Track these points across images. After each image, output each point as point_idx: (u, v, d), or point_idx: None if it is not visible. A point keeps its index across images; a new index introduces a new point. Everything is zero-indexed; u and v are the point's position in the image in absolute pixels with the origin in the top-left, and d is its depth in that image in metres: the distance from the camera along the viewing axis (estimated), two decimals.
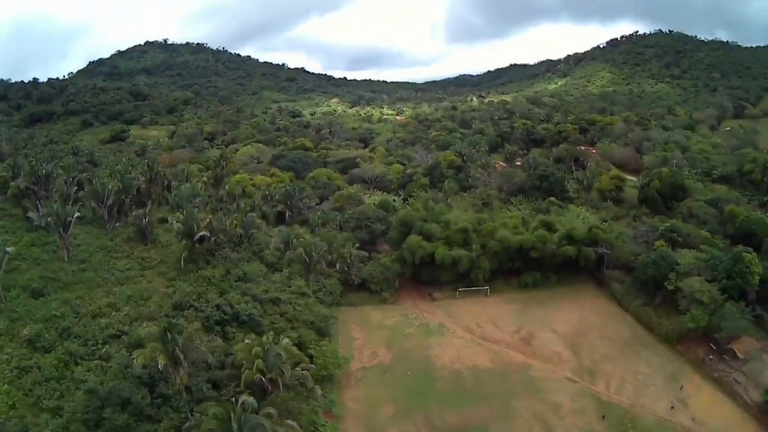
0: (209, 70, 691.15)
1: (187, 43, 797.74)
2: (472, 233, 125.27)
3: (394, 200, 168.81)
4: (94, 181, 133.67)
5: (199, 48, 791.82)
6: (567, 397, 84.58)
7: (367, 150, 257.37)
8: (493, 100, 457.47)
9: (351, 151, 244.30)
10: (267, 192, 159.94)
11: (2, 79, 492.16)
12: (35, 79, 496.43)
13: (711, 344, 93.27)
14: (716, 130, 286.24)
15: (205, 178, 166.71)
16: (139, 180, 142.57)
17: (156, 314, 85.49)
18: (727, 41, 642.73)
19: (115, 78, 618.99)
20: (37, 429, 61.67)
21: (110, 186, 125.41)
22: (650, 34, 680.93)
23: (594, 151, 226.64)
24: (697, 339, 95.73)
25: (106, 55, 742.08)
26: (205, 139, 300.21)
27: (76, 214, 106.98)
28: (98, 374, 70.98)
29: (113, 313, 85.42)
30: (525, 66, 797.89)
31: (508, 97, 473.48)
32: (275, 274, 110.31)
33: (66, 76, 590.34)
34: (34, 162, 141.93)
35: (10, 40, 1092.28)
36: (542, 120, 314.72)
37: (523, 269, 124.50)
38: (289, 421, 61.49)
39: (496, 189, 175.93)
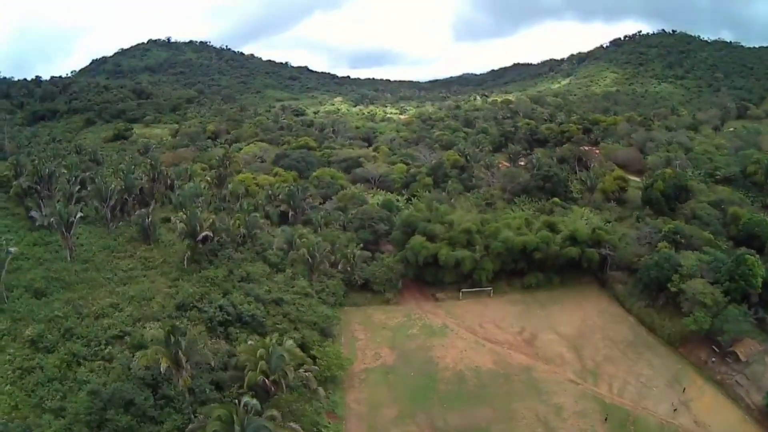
0: (212, 68, 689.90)
1: (191, 42, 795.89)
2: (476, 234, 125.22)
3: (398, 200, 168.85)
4: (97, 180, 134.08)
5: (203, 46, 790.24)
6: (569, 399, 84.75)
7: (370, 149, 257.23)
8: (496, 100, 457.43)
9: (354, 151, 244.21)
10: (270, 191, 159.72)
11: (5, 77, 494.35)
12: (38, 77, 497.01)
13: (713, 347, 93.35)
14: (719, 130, 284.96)
15: (208, 178, 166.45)
16: (142, 179, 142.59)
17: (159, 315, 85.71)
18: (731, 41, 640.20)
19: (118, 76, 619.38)
20: (40, 430, 61.80)
21: (113, 185, 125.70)
22: (653, 34, 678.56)
23: (597, 151, 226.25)
24: (699, 341, 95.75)
25: (109, 53, 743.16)
26: (209, 137, 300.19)
27: (79, 214, 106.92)
28: (101, 375, 71.13)
29: (116, 314, 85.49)
30: (528, 65, 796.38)
31: (511, 97, 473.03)
32: (278, 275, 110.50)
33: (69, 74, 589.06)
34: (36, 161, 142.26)
35: (13, 37, 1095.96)
36: (546, 120, 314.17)
37: (527, 270, 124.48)
38: (293, 424, 61.62)
39: (500, 189, 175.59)
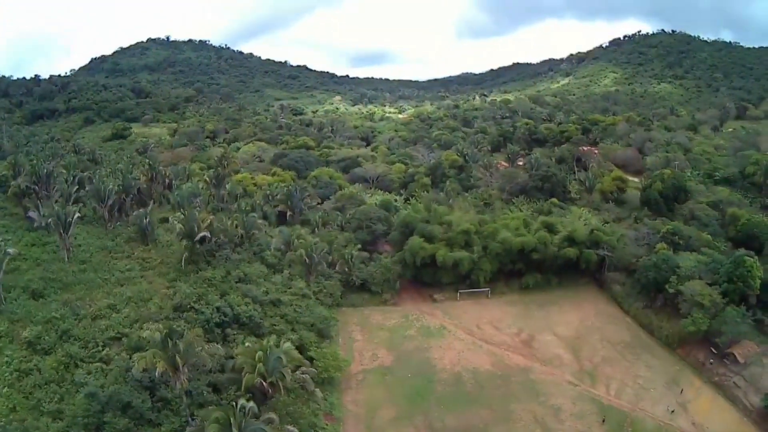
0: (211, 67, 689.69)
1: (190, 40, 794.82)
2: (474, 235, 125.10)
3: (396, 200, 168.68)
4: (95, 181, 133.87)
5: (202, 45, 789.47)
6: (567, 401, 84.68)
7: (369, 149, 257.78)
8: (495, 99, 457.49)
9: (353, 150, 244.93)
10: (268, 191, 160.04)
11: (3, 76, 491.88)
12: (37, 76, 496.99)
13: (711, 348, 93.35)
14: (718, 131, 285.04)
15: (206, 177, 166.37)
16: (140, 179, 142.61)
17: (156, 316, 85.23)
18: (730, 41, 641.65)
19: (117, 75, 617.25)
20: None
21: (111, 185, 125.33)
22: (653, 33, 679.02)
23: (596, 151, 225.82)
24: (697, 343, 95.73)
25: (108, 52, 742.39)
26: (207, 137, 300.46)
27: (77, 215, 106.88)
28: (98, 377, 70.92)
29: (113, 315, 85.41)
30: (528, 65, 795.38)
31: (510, 96, 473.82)
32: (276, 275, 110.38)
33: (68, 73, 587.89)
34: (35, 161, 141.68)
35: (12, 37, 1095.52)
36: (545, 119, 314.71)
37: (524, 271, 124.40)
38: (290, 427, 61.74)
39: (498, 189, 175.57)
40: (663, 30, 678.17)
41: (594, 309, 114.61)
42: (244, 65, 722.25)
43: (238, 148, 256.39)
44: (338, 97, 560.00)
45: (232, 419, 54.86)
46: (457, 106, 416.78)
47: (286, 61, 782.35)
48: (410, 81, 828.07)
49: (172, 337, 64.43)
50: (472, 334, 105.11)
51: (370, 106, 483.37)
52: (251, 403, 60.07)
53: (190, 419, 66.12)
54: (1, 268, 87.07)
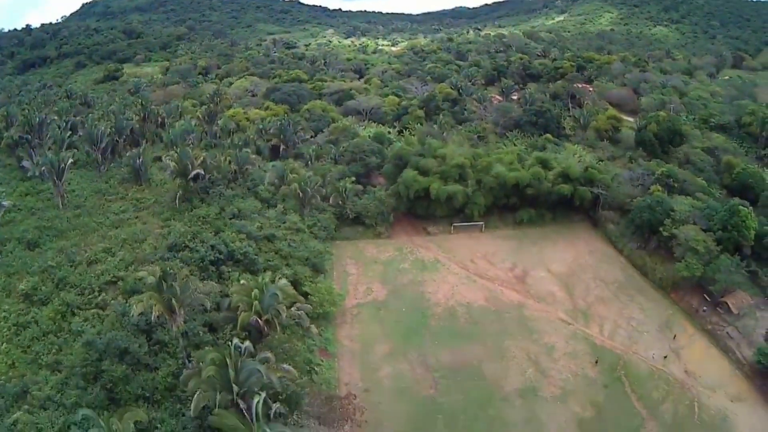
0: (203, 4, 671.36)
1: None
2: (468, 168, 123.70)
3: (389, 132, 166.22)
4: (87, 124, 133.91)
5: None
6: (561, 340, 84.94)
7: (362, 81, 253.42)
8: (489, 34, 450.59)
9: (346, 83, 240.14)
10: (261, 126, 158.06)
11: None
12: (28, 26, 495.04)
13: (705, 295, 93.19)
14: (714, 78, 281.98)
15: (199, 114, 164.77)
16: (132, 119, 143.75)
17: (151, 257, 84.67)
18: None
19: (108, 18, 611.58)
20: (37, 387, 61.25)
21: (103, 128, 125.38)
22: None
23: (591, 89, 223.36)
24: (691, 288, 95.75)
25: None
26: (199, 73, 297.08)
27: (70, 160, 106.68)
28: (95, 324, 70.74)
29: (109, 259, 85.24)
30: (522, 1, 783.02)
31: (504, 31, 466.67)
32: (270, 210, 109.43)
33: (59, 20, 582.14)
34: (26, 110, 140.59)
35: None
36: (539, 55, 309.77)
37: (518, 206, 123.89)
38: (285, 365, 60.87)
39: (492, 123, 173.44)
40: None
41: (588, 247, 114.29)
42: (236, 1, 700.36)
43: (231, 84, 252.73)
44: (331, 30, 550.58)
45: (228, 360, 53.80)
46: (450, 40, 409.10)
47: None
48: (403, 14, 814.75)
49: (167, 280, 62.88)
50: (466, 268, 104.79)
51: (363, 39, 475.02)
52: (247, 343, 59.31)
53: (186, 361, 65.36)
54: None
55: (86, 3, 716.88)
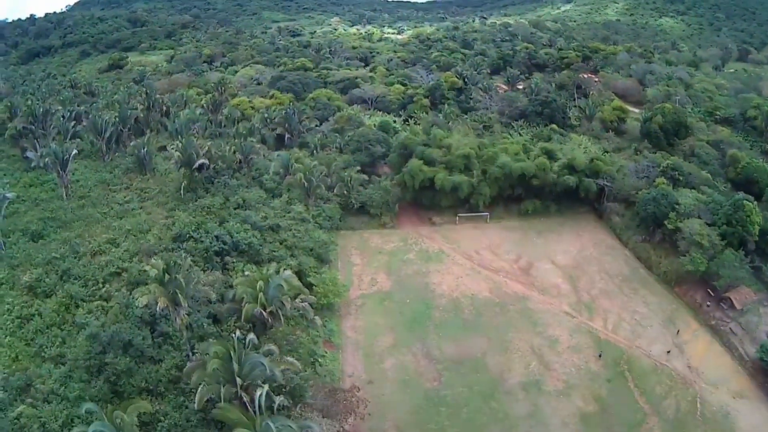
0: None
1: None
2: (473, 159, 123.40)
3: (395, 121, 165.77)
4: (91, 114, 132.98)
5: None
6: (564, 332, 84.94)
7: (367, 70, 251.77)
8: (495, 22, 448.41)
9: (351, 71, 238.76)
10: (266, 114, 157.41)
11: None
12: (32, 16, 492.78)
13: (709, 290, 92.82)
14: (720, 70, 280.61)
15: (203, 103, 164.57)
16: (137, 108, 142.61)
17: (156, 248, 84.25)
18: None
19: (113, 6, 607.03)
20: (41, 380, 61.12)
21: (108, 117, 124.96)
22: None
23: (597, 79, 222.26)
24: (695, 283, 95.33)
25: None
26: (204, 62, 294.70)
27: (74, 150, 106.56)
28: (99, 316, 70.33)
29: (113, 250, 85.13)
30: None
31: (510, 20, 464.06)
32: (274, 200, 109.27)
33: (64, 9, 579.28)
34: (31, 101, 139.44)
35: None
36: (545, 45, 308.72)
37: (524, 197, 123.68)
38: (289, 358, 60.90)
39: (498, 113, 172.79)
40: None
41: (593, 239, 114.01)
42: None
43: (236, 72, 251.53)
44: (336, 18, 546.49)
45: (232, 353, 53.65)
46: (456, 28, 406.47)
47: None
48: (409, 2, 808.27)
49: (170, 272, 62.43)
50: (470, 260, 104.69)
51: (368, 27, 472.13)
52: (251, 335, 59.32)
53: (190, 353, 65.25)
54: (1, 213, 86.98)
55: None
